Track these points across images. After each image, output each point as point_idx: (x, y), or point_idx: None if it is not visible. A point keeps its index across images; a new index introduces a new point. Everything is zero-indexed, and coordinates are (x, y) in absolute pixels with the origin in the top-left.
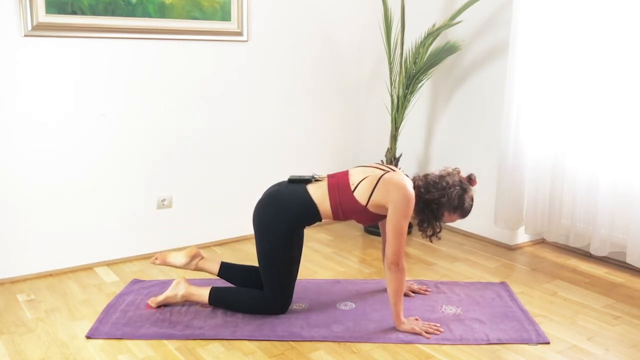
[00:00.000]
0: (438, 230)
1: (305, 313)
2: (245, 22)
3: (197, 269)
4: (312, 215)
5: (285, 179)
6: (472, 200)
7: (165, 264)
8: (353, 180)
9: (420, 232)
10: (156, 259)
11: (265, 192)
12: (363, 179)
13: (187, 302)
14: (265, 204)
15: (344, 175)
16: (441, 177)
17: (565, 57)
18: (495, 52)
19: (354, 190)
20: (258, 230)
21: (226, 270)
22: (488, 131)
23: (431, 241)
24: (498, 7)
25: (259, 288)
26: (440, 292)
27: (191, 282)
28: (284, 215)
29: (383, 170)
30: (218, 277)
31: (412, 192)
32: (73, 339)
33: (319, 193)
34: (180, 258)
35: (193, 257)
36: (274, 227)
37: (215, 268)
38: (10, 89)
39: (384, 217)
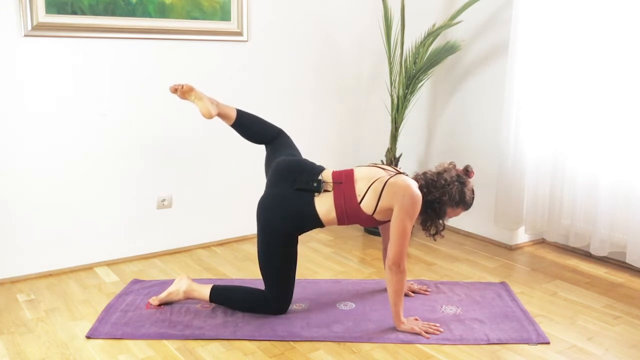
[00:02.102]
0: (441, 228)
1: (305, 313)
2: (245, 22)
3: (218, 114)
4: (315, 224)
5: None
6: (472, 192)
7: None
8: (359, 190)
9: (424, 232)
10: (183, 86)
11: (270, 187)
12: (368, 188)
13: (188, 300)
14: (270, 207)
15: (350, 180)
16: (438, 174)
17: (565, 57)
18: (495, 52)
19: (360, 201)
20: (260, 231)
21: (242, 118)
22: (488, 131)
23: (435, 239)
24: (498, 7)
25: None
26: (440, 292)
27: (193, 280)
28: (287, 222)
29: (387, 173)
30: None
31: (418, 193)
32: (73, 339)
33: (325, 206)
34: (209, 107)
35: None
36: (275, 230)
37: (232, 114)
38: (10, 89)
39: (389, 221)
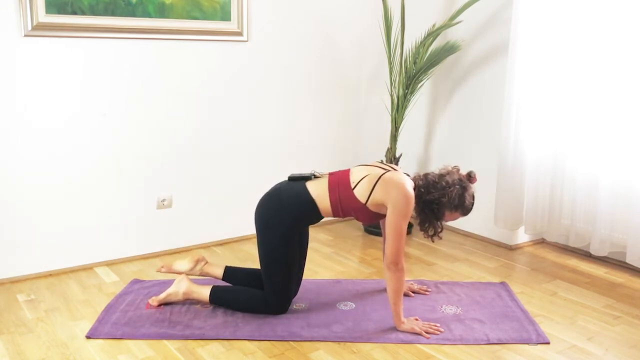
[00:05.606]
0: (439, 229)
1: (305, 313)
2: (245, 22)
3: (202, 274)
4: (312, 212)
5: (286, 178)
6: (472, 198)
7: (171, 271)
8: (353, 178)
9: (422, 232)
10: (162, 267)
11: (266, 192)
12: (363, 178)
13: (188, 301)
14: (266, 203)
15: (345, 173)
16: (441, 176)
17: (565, 57)
18: (495, 52)
19: (354, 187)
20: (259, 230)
21: (231, 274)
22: (488, 131)
23: (433, 241)
24: (498, 7)
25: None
26: (440, 292)
27: (192, 281)
28: (284, 214)
29: (384, 169)
30: (223, 281)
31: (411, 192)
32: (73, 339)
33: (318, 190)
34: (184, 264)
35: (197, 262)
36: (274, 226)
37: (220, 272)
38: (9, 89)
39: (384, 216)
